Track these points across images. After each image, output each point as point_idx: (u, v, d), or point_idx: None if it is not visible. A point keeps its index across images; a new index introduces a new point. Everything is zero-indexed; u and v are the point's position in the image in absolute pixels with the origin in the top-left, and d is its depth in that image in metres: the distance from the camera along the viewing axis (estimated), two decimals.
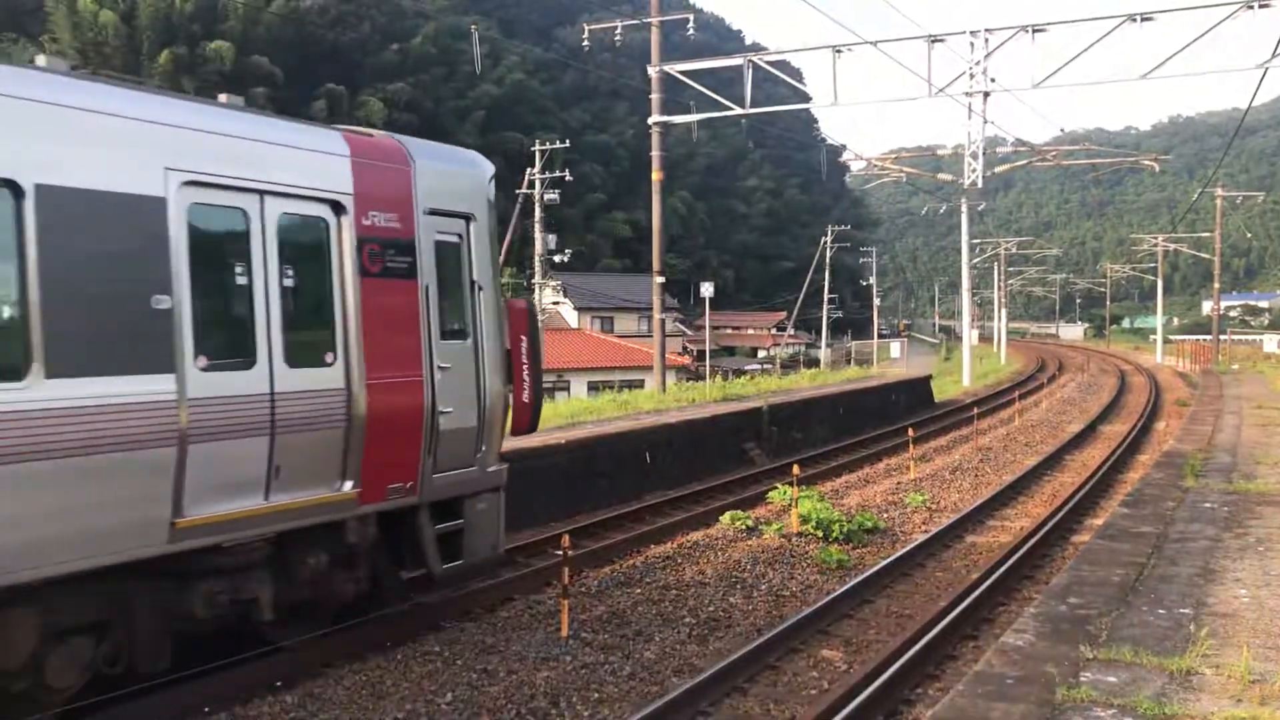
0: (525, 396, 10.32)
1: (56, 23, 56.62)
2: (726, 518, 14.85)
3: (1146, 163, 49.96)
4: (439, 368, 9.33)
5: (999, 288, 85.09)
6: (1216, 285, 65.03)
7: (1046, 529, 14.51)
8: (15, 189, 6.43)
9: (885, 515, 16.07)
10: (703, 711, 8.21)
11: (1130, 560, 9.74)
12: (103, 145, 6.96)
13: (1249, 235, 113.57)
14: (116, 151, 7.03)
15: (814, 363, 64.75)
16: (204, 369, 7.42)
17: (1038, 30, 26.30)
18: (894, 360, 59.69)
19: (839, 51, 26.89)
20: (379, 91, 60.15)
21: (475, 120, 65.61)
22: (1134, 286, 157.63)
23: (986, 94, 29.61)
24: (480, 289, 9.98)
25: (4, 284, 6.44)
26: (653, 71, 27.22)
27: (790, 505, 15.07)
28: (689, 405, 24.34)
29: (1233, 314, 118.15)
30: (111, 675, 7.40)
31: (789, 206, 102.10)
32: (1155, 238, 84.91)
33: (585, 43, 32.16)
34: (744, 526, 14.57)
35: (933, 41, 26.71)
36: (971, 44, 27.99)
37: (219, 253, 7.91)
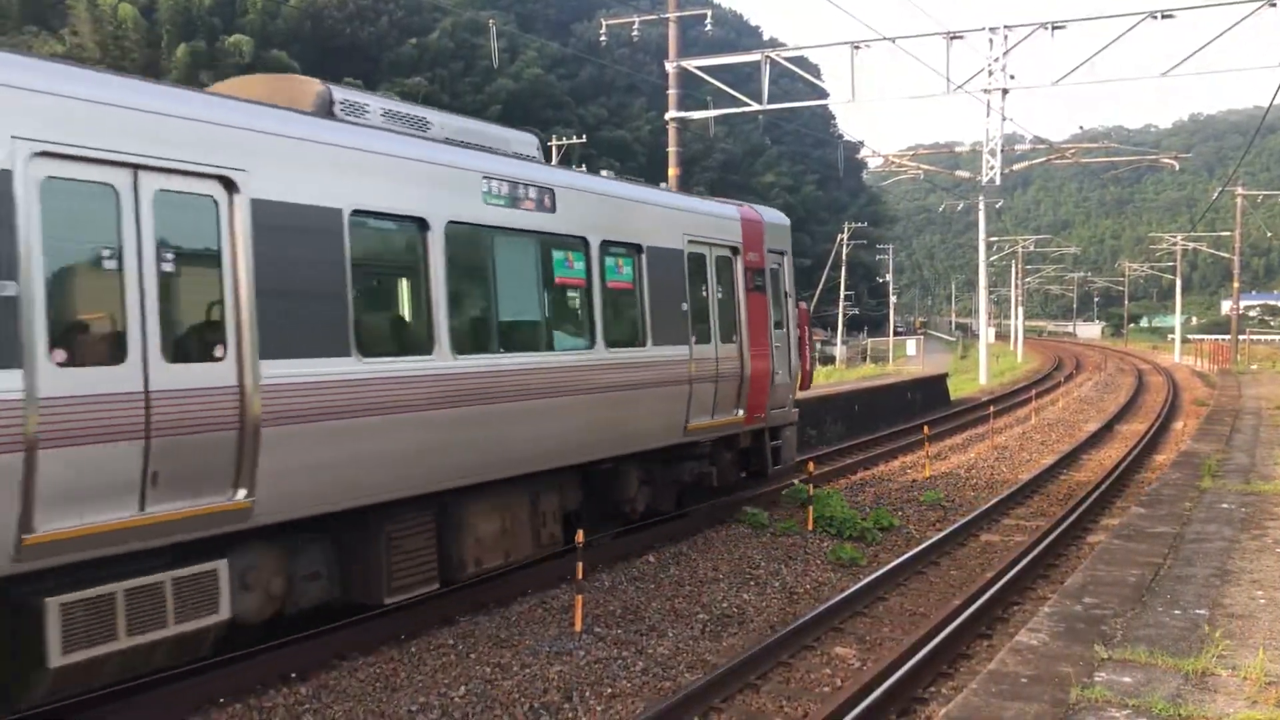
0: (806, 365, 16.71)
1: (77, 16, 56.93)
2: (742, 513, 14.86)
3: (1166, 161, 49.63)
4: (774, 346, 15.10)
5: (1016, 286, 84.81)
6: (1236, 285, 64.66)
7: (1062, 528, 14.45)
8: None
9: (900, 513, 16.04)
10: (715, 708, 8.21)
11: (1146, 560, 9.70)
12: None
13: (1269, 235, 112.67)
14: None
15: (829, 360, 64.66)
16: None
17: (1057, 27, 26.15)
18: (910, 358, 59.51)
19: (857, 47, 26.80)
20: (396, 86, 60.26)
21: (492, 115, 65.66)
22: (1152, 285, 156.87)
23: (1005, 91, 29.46)
24: (789, 296, 15.90)
25: None
26: (670, 67, 27.17)
27: (804, 502, 15.05)
28: None
29: (1252, 314, 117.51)
30: None
31: (806, 203, 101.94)
32: (1174, 236, 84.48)
33: (603, 38, 32.16)
34: (758, 522, 14.56)
35: (951, 38, 26.59)
36: (990, 40, 27.86)
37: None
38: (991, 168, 35.99)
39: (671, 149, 27.07)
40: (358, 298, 8.44)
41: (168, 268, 7.11)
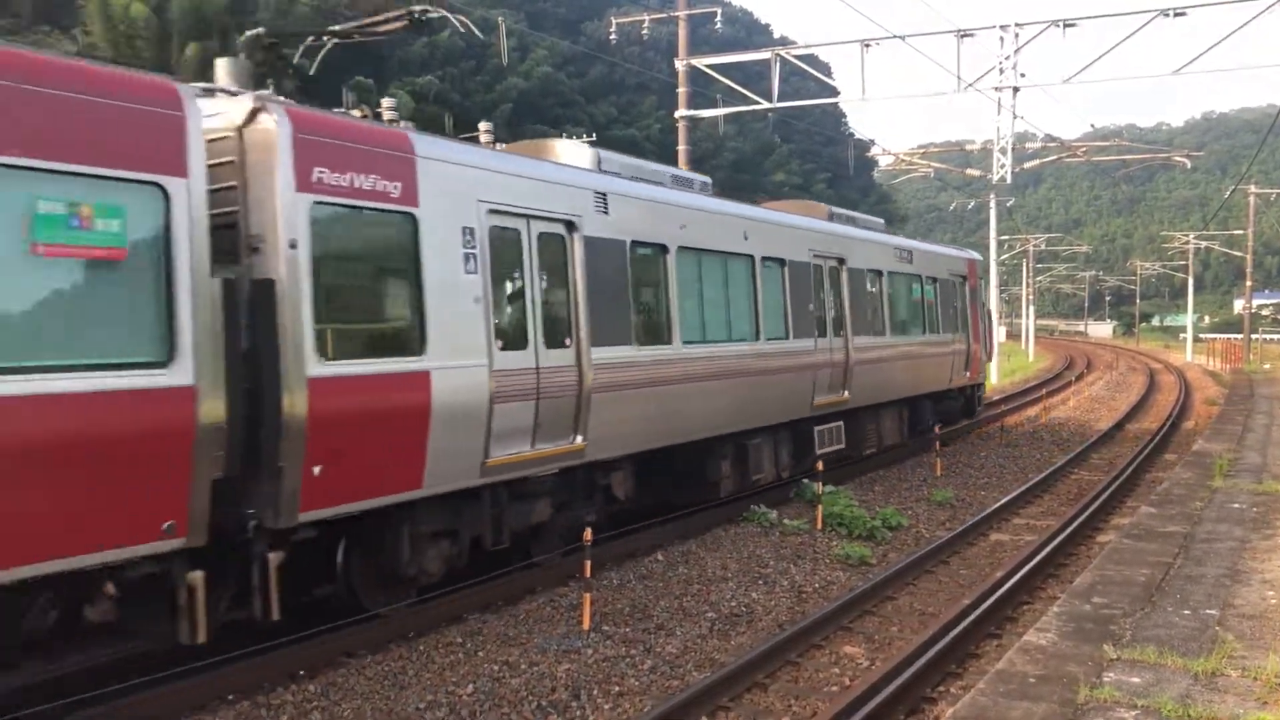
0: (984, 351, 26.13)
1: (90, 14, 57.08)
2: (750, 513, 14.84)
3: (1178, 159, 49.39)
4: (974, 334, 24.65)
5: (1027, 284, 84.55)
6: (1249, 283, 64.34)
7: (1072, 528, 14.40)
8: None
9: (909, 511, 16.01)
10: (723, 706, 8.21)
11: (1156, 560, 9.66)
12: None
13: None
14: None
15: None
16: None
17: (1069, 25, 26.04)
18: None
19: (867, 46, 26.74)
20: (407, 84, 60.31)
21: (503, 113, 65.66)
22: (1164, 284, 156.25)
23: (1016, 89, 29.30)
24: (983, 305, 26.48)
25: None
26: (680, 65, 27.16)
27: (813, 500, 15.03)
28: None
29: (1265, 313, 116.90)
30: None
31: (817, 201, 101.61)
32: (1186, 235, 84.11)
33: (613, 36, 32.15)
34: (766, 521, 14.55)
35: (962, 36, 26.51)
36: (1001, 38, 27.73)
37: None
38: (1002, 166, 35.85)
39: (681, 147, 27.07)
40: (635, 304, 12.15)
41: (544, 284, 10.87)
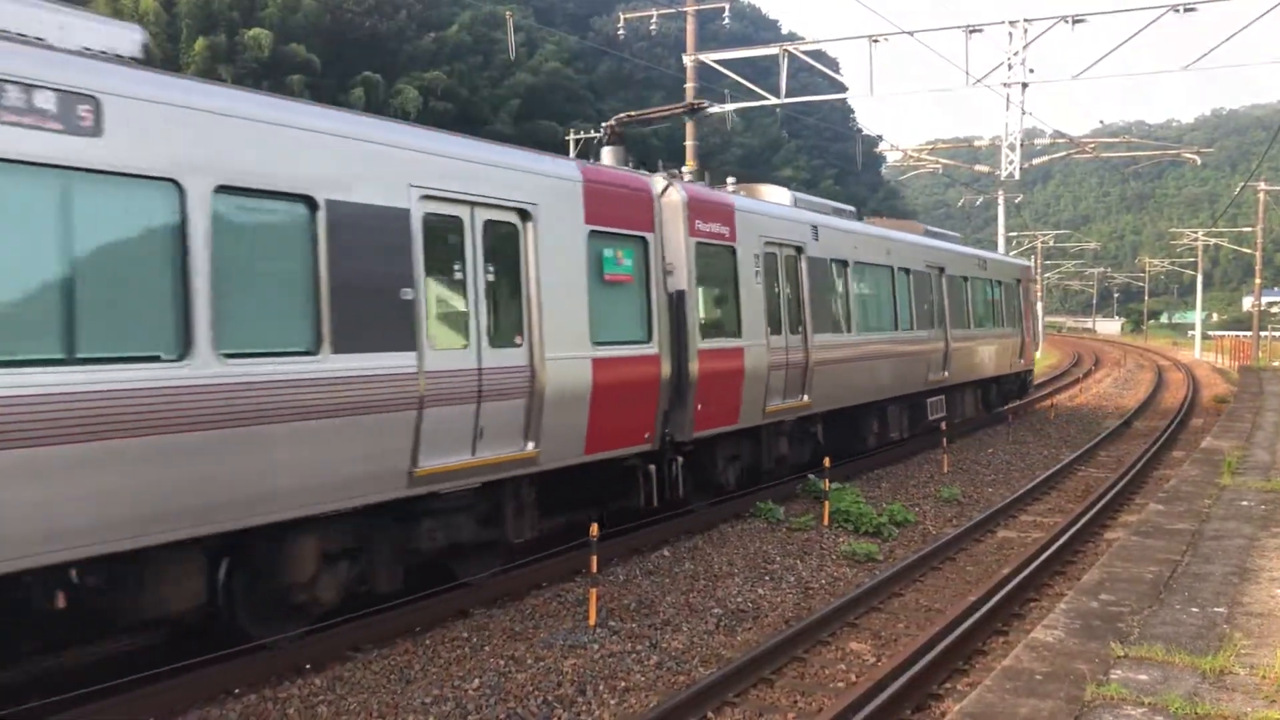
0: (1034, 342, 31.75)
1: (99, 8, 57.22)
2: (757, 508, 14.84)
3: (1188, 156, 49.28)
4: (1027, 328, 29.26)
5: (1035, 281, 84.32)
6: (1258, 280, 64.15)
7: (1079, 524, 14.37)
8: None
9: (916, 508, 15.99)
10: (729, 702, 8.21)
11: (1164, 557, 9.63)
12: None
13: None
14: None
15: None
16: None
17: (1078, 20, 26.00)
18: None
19: (875, 41, 26.72)
20: (415, 80, 60.30)
21: (511, 108, 65.67)
22: (1173, 281, 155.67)
23: (1025, 85, 29.26)
24: (1034, 303, 33.92)
25: None
26: (688, 60, 27.12)
27: (820, 496, 15.02)
28: None
29: (1274, 310, 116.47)
30: None
31: (824, 197, 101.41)
32: (1195, 232, 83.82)
33: (621, 31, 32.16)
34: (773, 517, 14.53)
35: (970, 31, 26.47)
36: (1010, 34, 27.69)
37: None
38: (1011, 162, 35.81)
39: (689, 142, 27.03)
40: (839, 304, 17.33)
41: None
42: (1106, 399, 36.67)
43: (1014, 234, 74.72)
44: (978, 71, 27.66)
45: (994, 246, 44.70)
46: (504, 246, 10.10)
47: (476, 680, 8.37)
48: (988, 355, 25.61)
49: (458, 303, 9.50)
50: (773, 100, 28.91)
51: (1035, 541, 13.79)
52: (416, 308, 8.88)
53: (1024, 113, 32.61)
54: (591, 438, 11.18)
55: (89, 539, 6.54)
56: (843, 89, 43.27)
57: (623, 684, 8.45)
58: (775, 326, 14.99)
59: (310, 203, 8.06)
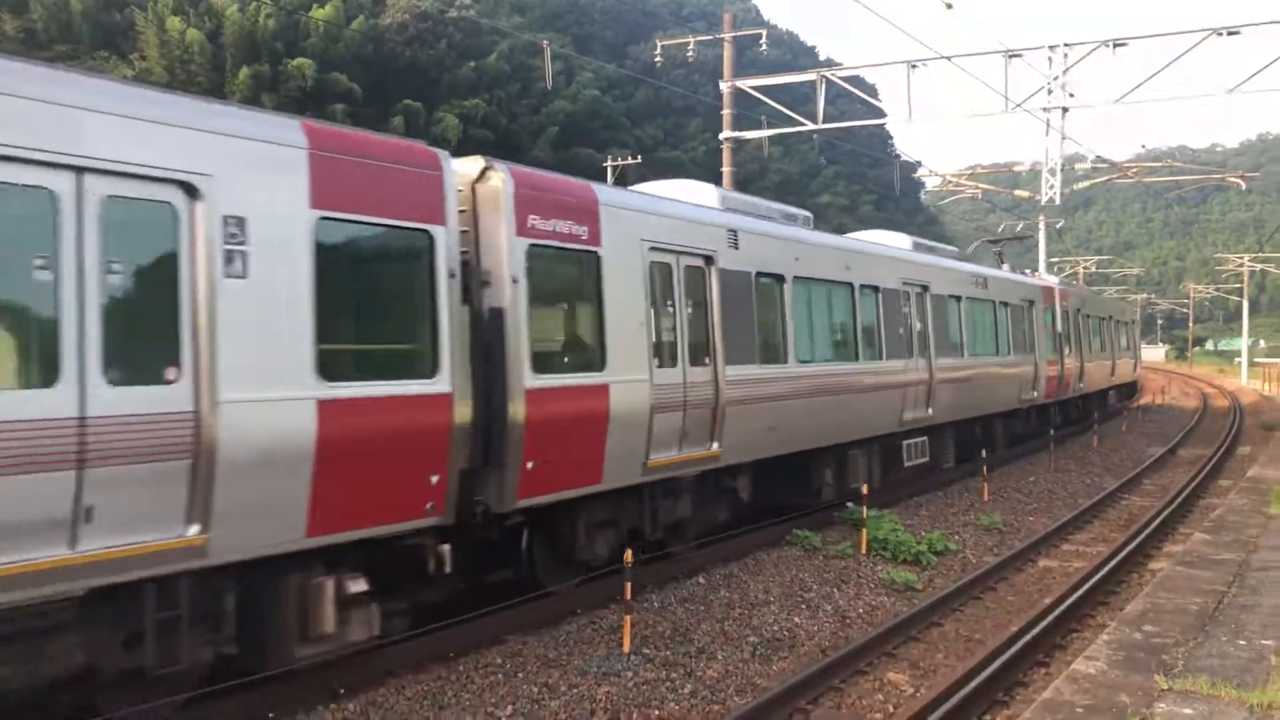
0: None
1: (147, 41, 58.26)
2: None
3: (1233, 180, 48.67)
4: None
5: None
6: None
7: (1123, 554, 14.14)
8: None
9: (956, 536, 15.79)
10: None
11: (1210, 588, 9.44)
12: None
13: None
14: None
15: None
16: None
17: (1119, 44, 25.79)
18: None
19: (914, 66, 26.64)
20: (455, 108, 60.92)
21: (549, 136, 66.15)
22: (1218, 308, 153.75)
23: (1065, 110, 29.03)
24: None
25: None
26: (725, 87, 27.20)
27: (858, 524, 14.87)
28: None
29: None
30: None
31: (863, 223, 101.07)
32: (1241, 257, 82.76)
33: (658, 59, 32.29)
34: (810, 545, 14.41)
35: (1010, 56, 26.34)
36: (1050, 59, 27.50)
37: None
38: (1051, 187, 35.50)
39: (725, 169, 27.09)
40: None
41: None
42: (1151, 426, 36.16)
43: (1055, 259, 74.13)
44: (1017, 96, 27.50)
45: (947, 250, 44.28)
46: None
47: (510, 707, 8.32)
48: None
49: None
50: (810, 126, 28.89)
51: (1077, 571, 13.57)
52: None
53: (1064, 137, 32.34)
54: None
55: None
56: (881, 115, 43.20)
57: (657, 713, 8.38)
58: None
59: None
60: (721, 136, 27.64)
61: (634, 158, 49.79)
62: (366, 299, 8.67)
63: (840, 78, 29.01)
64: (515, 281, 9.71)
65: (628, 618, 9.93)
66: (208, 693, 7.73)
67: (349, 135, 8.50)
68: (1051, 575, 13.79)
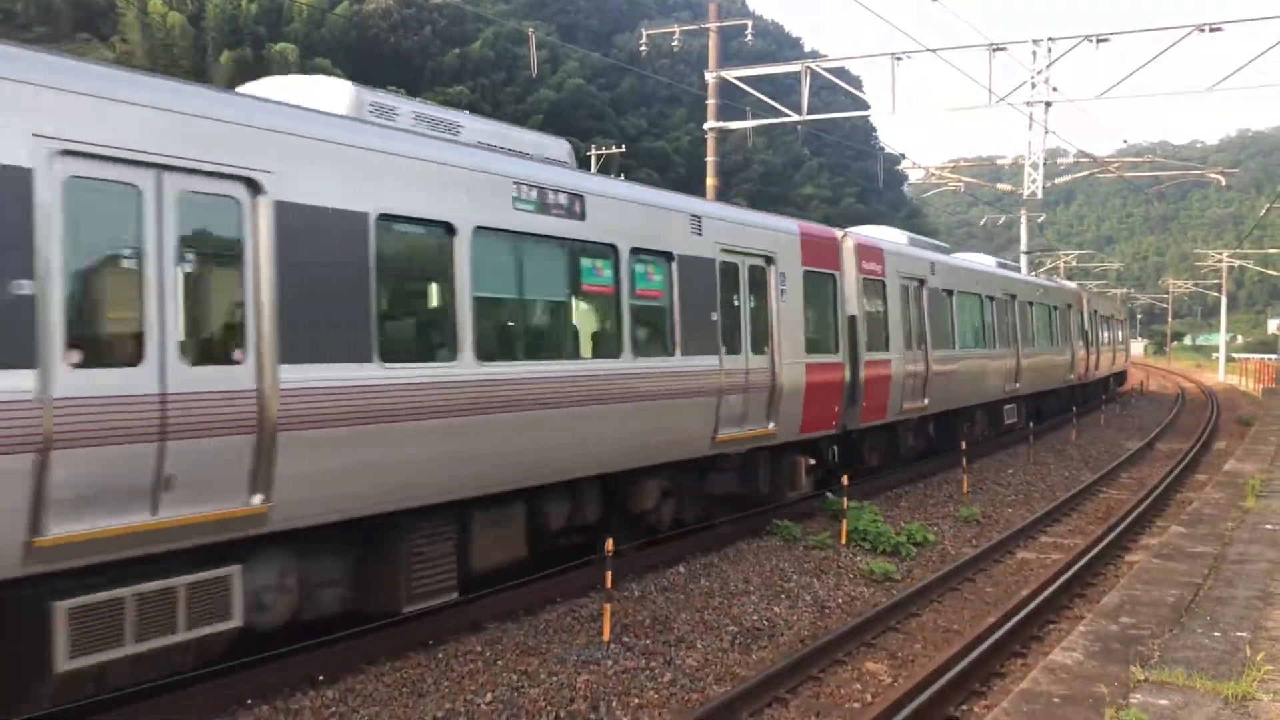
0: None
1: (127, 24, 57.81)
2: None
3: (1213, 176, 48.96)
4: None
5: None
6: None
7: (1100, 547, 14.23)
8: None
9: (935, 528, 15.86)
10: None
11: (1186, 580, 9.52)
12: None
13: None
14: None
15: None
16: None
17: (1102, 40, 25.88)
18: None
19: (899, 59, 26.69)
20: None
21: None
22: (1197, 303, 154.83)
23: (1048, 104, 29.15)
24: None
25: None
26: (710, 77, 27.16)
27: (838, 515, 14.92)
28: None
29: None
30: None
31: (846, 215, 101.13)
32: (1220, 253, 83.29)
33: (643, 48, 32.24)
34: (790, 535, 14.44)
35: (994, 50, 26.40)
36: (1034, 53, 27.60)
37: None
38: (1034, 181, 35.66)
39: (710, 159, 27.05)
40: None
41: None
42: (1129, 420, 36.39)
43: (1037, 253, 74.40)
44: (1001, 90, 27.58)
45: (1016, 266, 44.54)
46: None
47: (489, 695, 8.32)
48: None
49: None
50: (795, 117, 28.89)
51: (1055, 563, 13.65)
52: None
53: (1047, 131, 32.48)
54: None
55: None
56: (865, 107, 43.26)
57: (636, 701, 8.39)
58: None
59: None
60: (706, 127, 27.60)
61: (618, 147, 49.67)
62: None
63: (825, 69, 29.02)
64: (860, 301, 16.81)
65: (607, 606, 9.93)
66: (185, 678, 7.70)
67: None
68: (1029, 567, 13.87)
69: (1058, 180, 43.22)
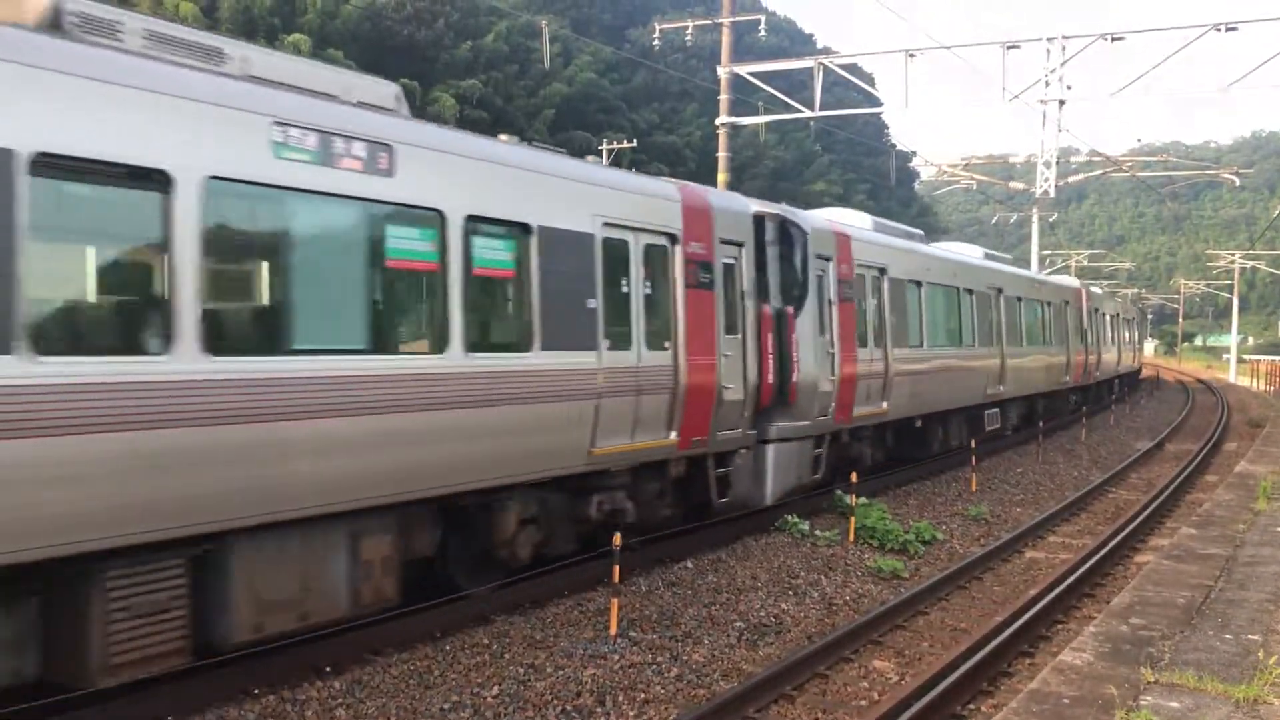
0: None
1: (142, 10, 57.95)
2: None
3: (1226, 177, 48.78)
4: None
5: None
6: None
7: (1109, 547, 14.17)
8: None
9: (944, 526, 15.82)
10: (749, 717, 8.11)
11: (1197, 582, 9.47)
12: None
13: None
14: None
15: None
16: None
17: (1116, 38, 25.80)
18: None
19: (912, 55, 26.61)
20: (451, 88, 60.62)
21: (545, 118, 65.86)
22: (1208, 304, 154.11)
23: (1062, 102, 29.04)
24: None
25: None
26: (722, 72, 27.10)
27: (846, 512, 14.88)
28: None
29: None
30: None
31: (858, 211, 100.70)
32: (1232, 254, 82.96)
33: (656, 42, 32.15)
34: (798, 532, 14.41)
35: (1009, 48, 26.32)
36: (1048, 50, 27.50)
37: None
38: (1046, 180, 35.53)
39: (721, 154, 26.98)
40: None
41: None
42: (1139, 420, 36.26)
43: (1048, 252, 74.18)
44: (1015, 88, 27.48)
45: (1026, 267, 44.43)
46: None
47: (496, 688, 8.31)
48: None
49: None
50: (806, 113, 28.83)
51: (1064, 563, 13.60)
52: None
53: (1060, 130, 32.36)
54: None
55: None
56: (877, 103, 43.12)
57: (642, 695, 8.37)
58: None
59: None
60: (718, 122, 27.54)
61: (629, 142, 49.60)
62: None
63: (838, 65, 28.95)
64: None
65: (615, 600, 9.92)
66: (192, 667, 7.70)
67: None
68: (1038, 566, 13.83)
69: (1070, 179, 43.08)
